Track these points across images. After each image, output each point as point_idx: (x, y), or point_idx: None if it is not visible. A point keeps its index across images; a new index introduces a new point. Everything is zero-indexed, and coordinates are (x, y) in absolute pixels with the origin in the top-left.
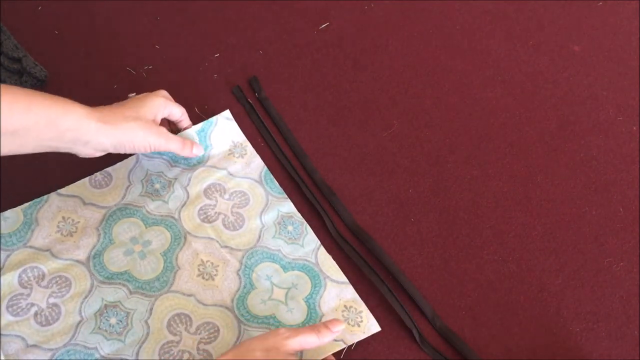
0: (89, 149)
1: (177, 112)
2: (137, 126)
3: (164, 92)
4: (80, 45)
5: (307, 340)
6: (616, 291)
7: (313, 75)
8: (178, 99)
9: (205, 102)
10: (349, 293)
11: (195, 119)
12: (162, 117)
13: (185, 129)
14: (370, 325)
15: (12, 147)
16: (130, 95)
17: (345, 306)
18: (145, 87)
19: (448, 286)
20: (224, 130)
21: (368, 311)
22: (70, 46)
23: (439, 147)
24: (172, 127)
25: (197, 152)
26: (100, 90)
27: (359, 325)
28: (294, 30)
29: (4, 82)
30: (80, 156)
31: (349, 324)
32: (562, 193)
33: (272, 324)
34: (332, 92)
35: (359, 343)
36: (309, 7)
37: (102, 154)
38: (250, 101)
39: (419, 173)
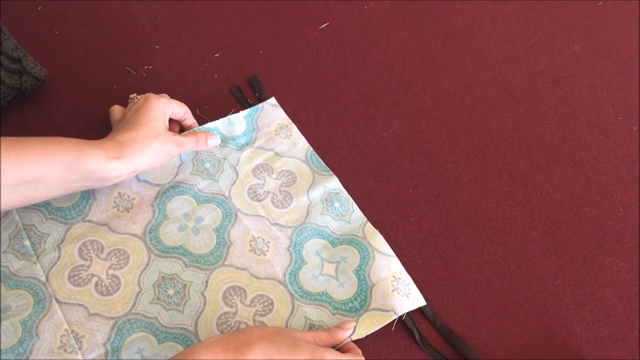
0: (120, 179)
1: (180, 111)
2: (154, 150)
3: (164, 95)
4: (80, 45)
5: (319, 336)
6: (616, 291)
7: (313, 75)
8: (178, 99)
9: (205, 102)
10: (397, 265)
11: (196, 120)
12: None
13: (190, 126)
14: (417, 298)
15: (39, 193)
16: (132, 96)
17: (394, 276)
18: (146, 87)
19: (448, 286)
20: (270, 114)
21: (414, 285)
22: (70, 46)
23: (439, 147)
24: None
25: (213, 142)
26: (100, 90)
27: (407, 297)
28: (294, 30)
29: (4, 82)
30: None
31: (398, 294)
32: (562, 193)
33: (324, 300)
34: (332, 92)
35: (359, 342)
36: (309, 7)
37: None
38: (250, 101)
39: (419, 173)
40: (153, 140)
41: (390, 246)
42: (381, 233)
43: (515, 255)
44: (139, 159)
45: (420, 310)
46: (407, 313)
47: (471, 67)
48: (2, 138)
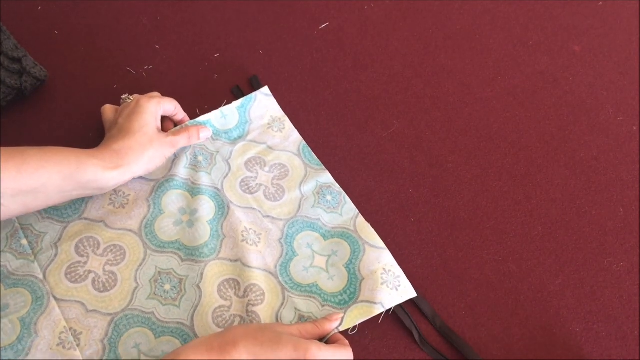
0: (117, 186)
1: (170, 107)
2: (150, 156)
3: (155, 93)
4: (80, 45)
5: (305, 329)
6: (616, 291)
7: (313, 75)
8: (178, 99)
9: (205, 102)
10: (387, 258)
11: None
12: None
13: (181, 121)
14: (407, 291)
15: (38, 202)
16: (123, 97)
17: (384, 269)
18: (145, 87)
19: (448, 286)
20: (263, 105)
21: (405, 277)
22: (70, 46)
23: (439, 147)
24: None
25: (205, 135)
26: (100, 90)
27: (397, 290)
28: (294, 30)
29: (4, 82)
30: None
31: (387, 287)
32: (562, 193)
33: (314, 292)
34: (332, 92)
35: (358, 342)
36: (309, 7)
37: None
38: None
39: (419, 173)
40: (148, 147)
41: (390, 246)
42: (381, 233)
43: (515, 255)
44: (135, 167)
45: (420, 310)
46: (407, 313)
47: (471, 67)
48: (1, 149)
